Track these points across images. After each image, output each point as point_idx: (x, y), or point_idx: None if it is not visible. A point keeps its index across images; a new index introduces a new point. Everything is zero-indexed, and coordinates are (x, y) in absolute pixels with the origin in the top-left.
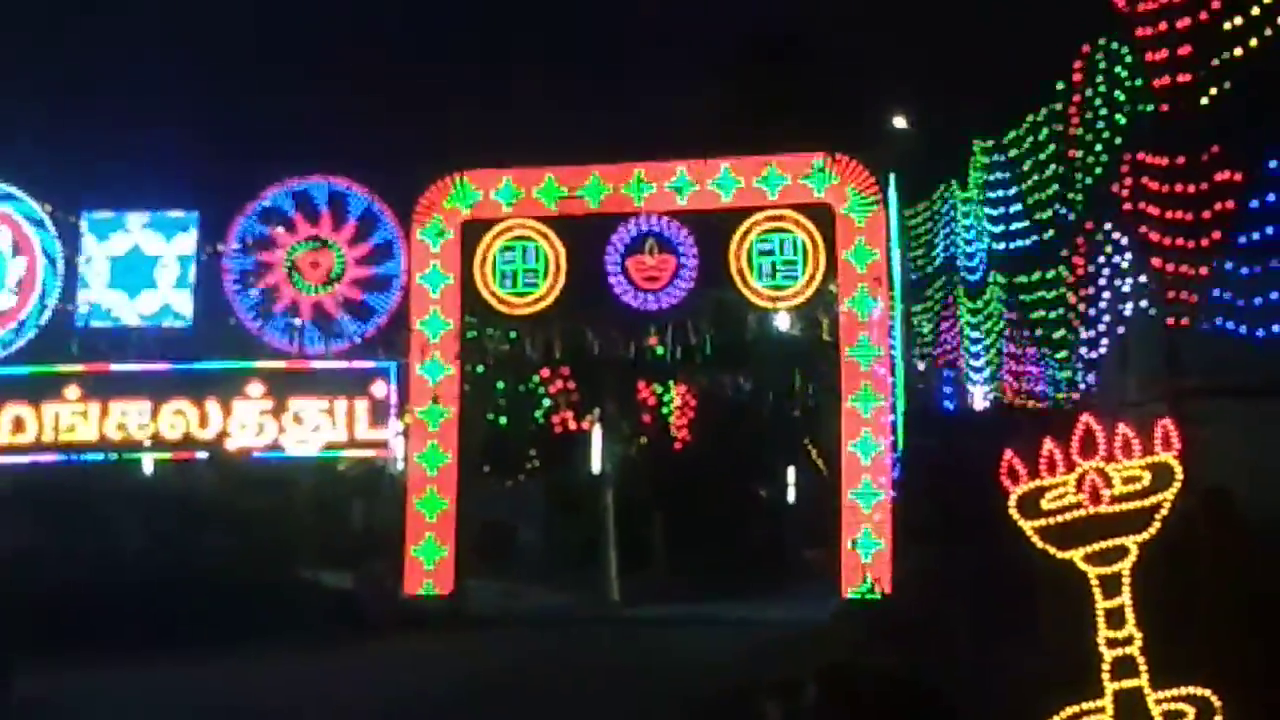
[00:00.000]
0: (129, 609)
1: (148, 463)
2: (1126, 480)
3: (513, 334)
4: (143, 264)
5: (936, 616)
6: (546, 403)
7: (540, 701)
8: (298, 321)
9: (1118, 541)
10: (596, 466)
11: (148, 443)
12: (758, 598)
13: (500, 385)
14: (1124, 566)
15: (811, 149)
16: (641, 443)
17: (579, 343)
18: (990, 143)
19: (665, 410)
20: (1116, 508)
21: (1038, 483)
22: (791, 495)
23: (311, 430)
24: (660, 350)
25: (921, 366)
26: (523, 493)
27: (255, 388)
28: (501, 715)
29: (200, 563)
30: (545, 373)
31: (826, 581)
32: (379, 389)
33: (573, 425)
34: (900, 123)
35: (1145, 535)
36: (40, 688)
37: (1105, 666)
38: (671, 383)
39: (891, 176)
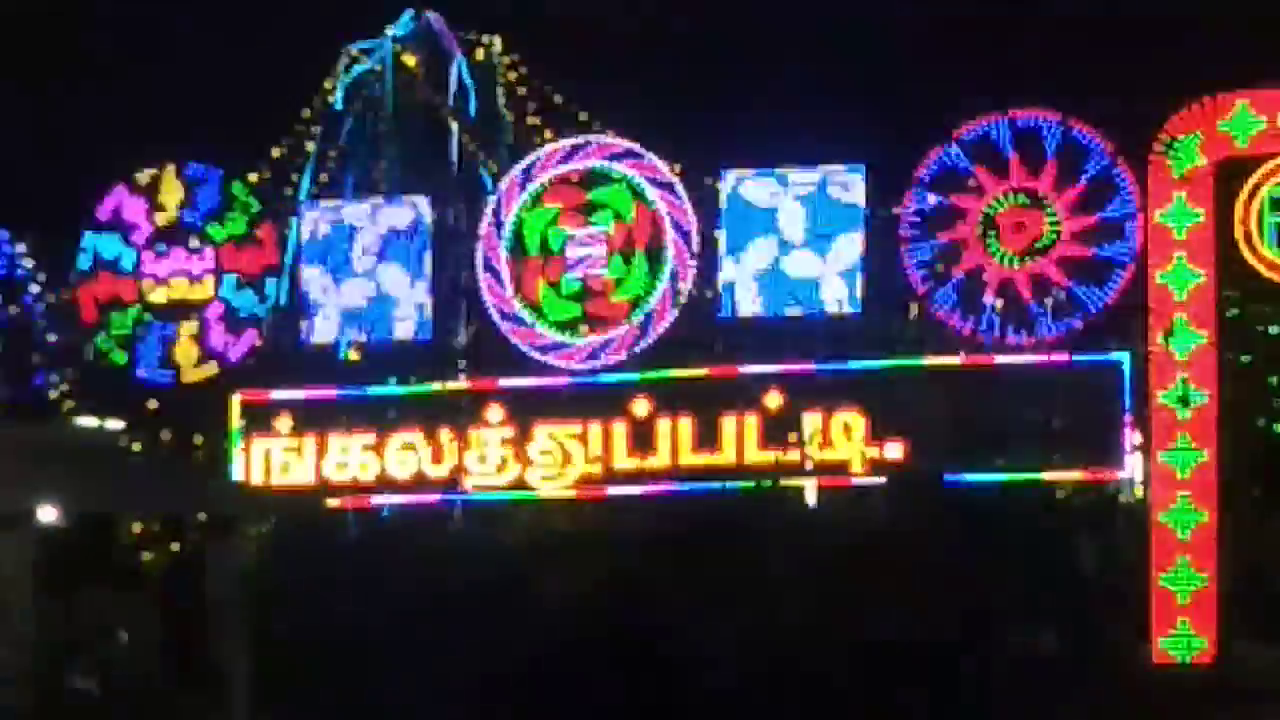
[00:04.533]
0: (778, 687)
1: (810, 492)
2: None
3: None
4: None
5: None
6: None
7: None
8: (989, 301)
9: None
10: None
11: (809, 466)
12: None
13: (1274, 380)
14: None
15: None
16: None
17: None
18: None
19: None
20: None
21: None
22: None
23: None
24: None
25: None
26: None
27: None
28: None
29: (876, 624)
30: None
31: None
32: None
33: None
34: None
35: None
36: None
37: None
38: None
39: None
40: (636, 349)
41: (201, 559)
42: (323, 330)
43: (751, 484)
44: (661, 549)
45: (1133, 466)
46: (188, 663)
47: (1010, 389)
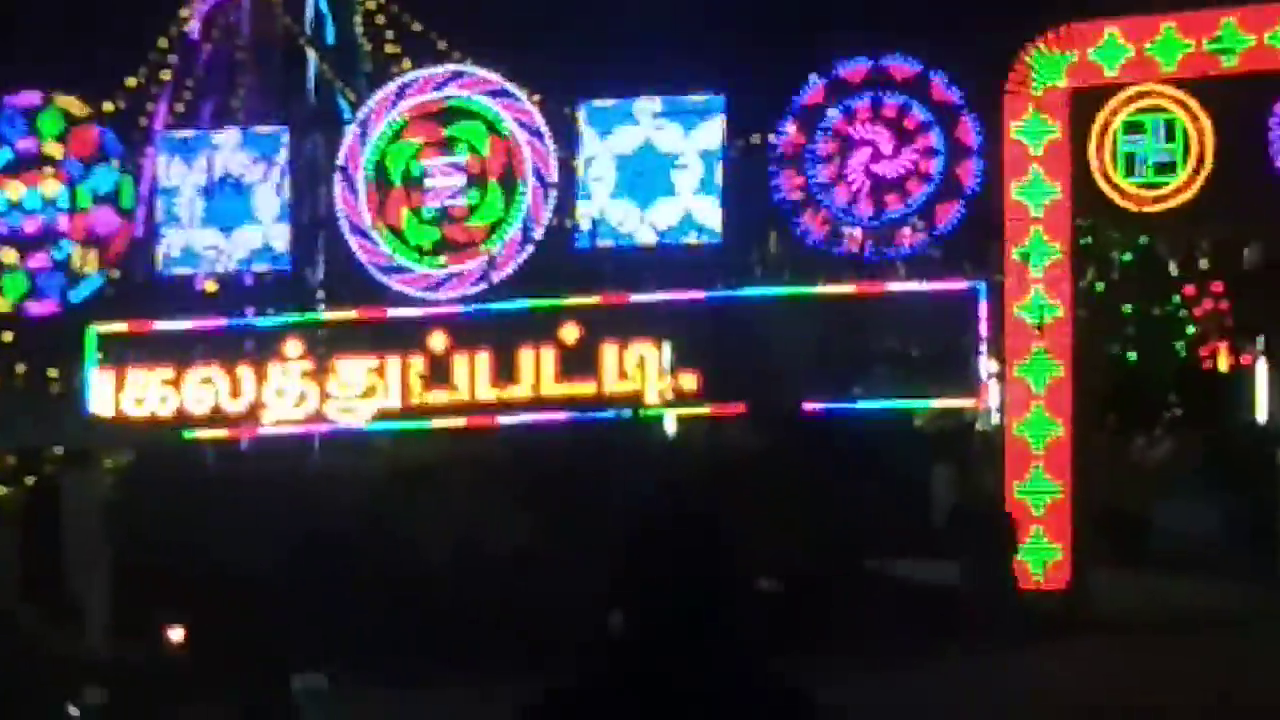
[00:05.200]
0: (652, 623)
1: (670, 421)
2: None
3: (1143, 239)
4: (657, 164)
5: None
6: (1191, 330)
7: None
8: (849, 232)
9: None
10: (1263, 414)
11: (668, 398)
12: None
13: (1127, 308)
14: None
15: None
16: None
17: (1234, 249)
18: None
19: None
20: None
21: None
22: None
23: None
24: None
25: None
26: (1161, 451)
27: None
28: None
29: (742, 554)
30: (1189, 290)
31: None
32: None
33: (1228, 360)
34: None
35: None
36: None
37: None
38: None
39: None
40: (491, 279)
41: (58, 492)
42: (179, 261)
43: (614, 414)
44: (533, 478)
45: (991, 394)
46: (45, 596)
47: (869, 317)
